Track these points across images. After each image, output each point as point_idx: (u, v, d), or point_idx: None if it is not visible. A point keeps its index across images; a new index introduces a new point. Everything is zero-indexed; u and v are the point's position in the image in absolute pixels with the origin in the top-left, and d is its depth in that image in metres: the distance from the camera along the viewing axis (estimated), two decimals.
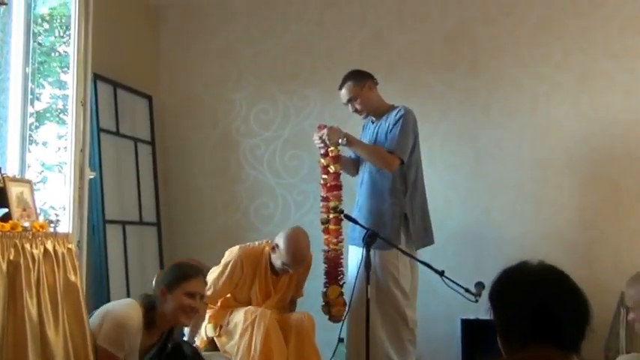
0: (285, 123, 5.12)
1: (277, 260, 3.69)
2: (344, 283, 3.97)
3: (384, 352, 3.88)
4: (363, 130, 4.24)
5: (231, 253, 3.72)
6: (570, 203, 4.66)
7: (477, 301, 3.55)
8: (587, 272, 4.36)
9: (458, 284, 3.62)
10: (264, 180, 5.14)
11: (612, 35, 4.64)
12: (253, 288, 3.73)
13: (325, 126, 4.00)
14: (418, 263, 3.93)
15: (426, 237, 4.06)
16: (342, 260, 3.98)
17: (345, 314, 3.86)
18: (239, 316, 3.57)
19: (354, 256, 4.01)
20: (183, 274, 2.98)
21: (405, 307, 3.92)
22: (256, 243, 3.83)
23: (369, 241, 3.70)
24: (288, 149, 5.07)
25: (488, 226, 4.75)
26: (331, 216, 3.96)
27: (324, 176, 4.01)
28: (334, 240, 3.96)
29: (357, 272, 3.81)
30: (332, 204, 3.96)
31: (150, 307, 2.92)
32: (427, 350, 4.33)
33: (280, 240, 3.69)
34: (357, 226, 3.92)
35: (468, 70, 4.85)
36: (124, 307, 2.94)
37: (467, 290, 3.60)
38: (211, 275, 3.65)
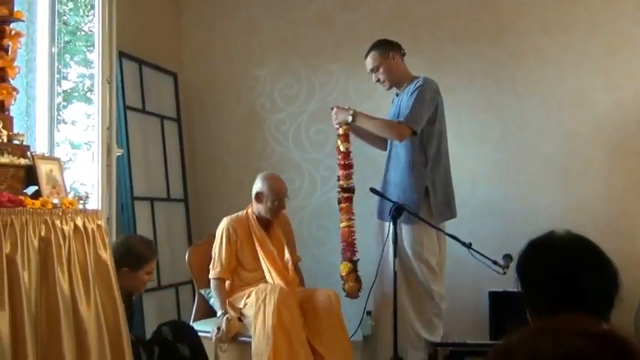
0: (310, 98, 5.11)
1: (265, 205, 3.84)
2: (357, 260, 3.97)
3: (410, 326, 3.90)
4: (392, 104, 4.22)
5: (221, 224, 3.90)
6: (598, 174, 4.60)
7: (504, 273, 3.54)
8: (616, 244, 4.29)
9: (485, 256, 3.61)
10: (290, 155, 5.15)
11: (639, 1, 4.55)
12: (253, 247, 3.85)
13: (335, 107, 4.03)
14: (445, 237, 3.92)
15: (448, 211, 4.03)
16: (354, 238, 3.98)
17: (358, 290, 3.87)
18: (251, 298, 3.63)
19: (380, 230, 4.02)
20: (145, 257, 3.22)
21: (430, 281, 3.91)
22: (238, 212, 3.95)
23: (396, 214, 3.70)
24: (313, 124, 5.07)
25: (515, 198, 4.72)
26: (341, 195, 3.97)
27: (338, 156, 4.02)
28: (345, 217, 3.96)
29: (383, 246, 3.82)
30: (341, 183, 3.97)
31: None
32: (455, 323, 4.33)
33: (259, 187, 3.85)
34: (384, 200, 3.93)
35: (493, 41, 4.79)
36: None
37: (494, 262, 3.59)
38: (215, 251, 3.83)
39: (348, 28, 5.04)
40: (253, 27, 5.26)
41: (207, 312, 3.95)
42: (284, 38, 5.19)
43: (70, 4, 4.42)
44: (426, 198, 3.90)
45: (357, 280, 3.91)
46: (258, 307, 3.53)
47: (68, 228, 2.63)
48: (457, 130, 4.75)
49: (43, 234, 2.52)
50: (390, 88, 4.11)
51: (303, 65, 5.13)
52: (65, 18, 4.30)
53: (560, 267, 1.58)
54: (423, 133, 3.90)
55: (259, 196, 3.84)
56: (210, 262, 3.90)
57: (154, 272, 3.38)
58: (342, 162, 3.98)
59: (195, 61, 5.39)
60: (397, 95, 4.12)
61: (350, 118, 3.91)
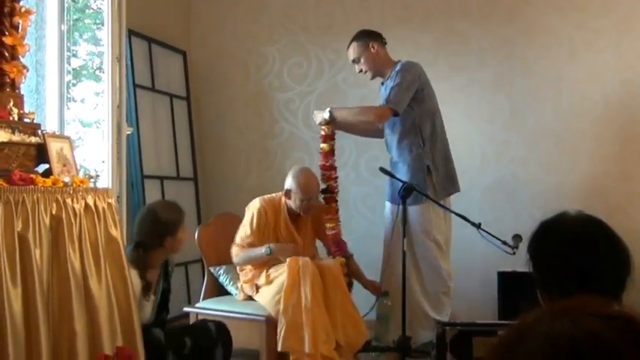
0: (319, 76, 5.09)
1: (295, 202, 3.76)
2: (351, 255, 3.95)
3: (418, 305, 3.91)
4: (380, 93, 4.22)
5: (254, 204, 3.82)
6: (609, 154, 4.58)
7: (514, 253, 3.53)
8: (626, 223, 4.28)
9: (495, 237, 3.60)
10: (299, 134, 5.14)
11: None
12: (278, 233, 3.81)
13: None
14: (451, 215, 3.92)
15: (451, 185, 4.05)
16: (341, 238, 3.96)
17: (348, 285, 3.84)
18: (281, 269, 3.60)
19: (388, 212, 4.03)
20: (178, 219, 3.24)
21: (439, 259, 3.93)
22: (273, 195, 3.89)
23: (405, 194, 3.70)
24: (322, 103, 5.03)
25: (525, 178, 4.71)
26: (322, 196, 3.95)
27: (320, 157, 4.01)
28: (328, 217, 3.93)
29: (393, 227, 3.83)
30: (320, 184, 3.92)
31: (142, 262, 3.13)
32: (464, 303, 4.34)
33: (289, 183, 3.77)
34: (390, 182, 3.94)
35: (505, 18, 4.75)
36: None
37: (504, 242, 3.58)
38: (244, 226, 3.77)
39: (357, 5, 5.00)
40: (262, 5, 5.23)
41: (217, 290, 3.98)
42: (293, 16, 5.16)
43: None
44: (429, 177, 3.92)
45: (347, 275, 3.86)
46: (291, 281, 3.49)
47: (79, 206, 2.64)
48: (467, 109, 4.74)
49: (54, 212, 2.54)
50: (373, 77, 4.13)
51: (312, 43, 5.11)
52: None
53: (572, 249, 1.58)
54: (414, 114, 3.92)
55: (288, 193, 3.77)
56: (220, 243, 3.91)
57: (186, 229, 3.36)
58: (322, 162, 3.96)
59: (204, 39, 5.37)
60: (382, 84, 4.12)
61: (327, 114, 3.92)
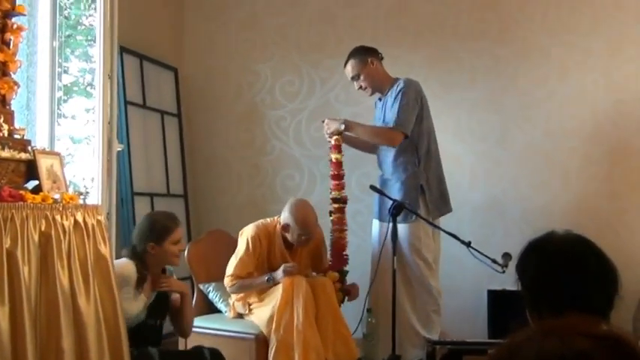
0: (311, 94, 5.11)
1: (292, 236, 3.72)
2: (347, 271, 3.96)
3: (408, 323, 3.91)
4: (375, 108, 4.23)
5: (248, 231, 3.77)
6: (598, 173, 4.60)
7: (503, 272, 3.54)
8: (616, 242, 4.31)
9: (485, 255, 3.61)
10: (290, 152, 5.15)
11: None
12: (272, 260, 3.77)
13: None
14: (440, 232, 3.93)
15: (443, 205, 4.06)
16: (345, 249, 3.97)
17: (340, 302, 3.82)
18: (275, 287, 3.59)
19: (377, 230, 4.04)
20: (167, 228, 3.22)
21: (428, 277, 3.93)
22: (267, 220, 3.86)
23: (395, 212, 3.70)
24: (313, 121, 5.06)
25: (515, 197, 4.72)
26: (332, 206, 3.97)
27: (331, 167, 4.03)
28: (337, 227, 3.96)
29: (382, 245, 3.83)
30: (333, 194, 3.97)
31: (140, 262, 3.14)
32: (454, 321, 4.34)
33: (287, 218, 3.71)
34: (380, 200, 3.95)
35: (495, 38, 4.79)
36: (121, 262, 3.12)
37: (494, 261, 3.59)
38: (238, 254, 3.73)
39: (349, 24, 5.03)
40: (255, 22, 5.25)
41: (206, 308, 3.95)
42: (285, 34, 5.18)
43: None
44: (422, 196, 3.93)
45: (342, 290, 3.86)
46: (284, 301, 3.47)
47: (68, 223, 2.63)
48: (458, 127, 4.77)
49: (43, 229, 2.53)
50: (372, 93, 4.14)
51: (304, 61, 5.13)
52: (66, 12, 4.29)
53: (560, 269, 1.58)
54: (413, 133, 3.93)
55: (286, 228, 3.73)
56: (210, 260, 3.90)
57: (183, 241, 3.37)
58: (334, 172, 3.98)
59: (196, 56, 5.38)
60: (380, 100, 4.13)
61: (342, 127, 3.93)
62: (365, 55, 4.03)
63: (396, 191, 3.93)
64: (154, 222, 3.25)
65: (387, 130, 3.93)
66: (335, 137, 3.97)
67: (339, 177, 3.98)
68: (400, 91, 3.91)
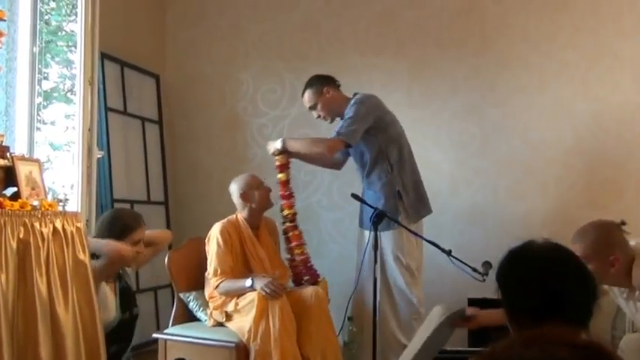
0: (293, 102, 5.10)
1: (254, 196, 3.87)
2: (322, 279, 3.97)
3: (389, 331, 3.91)
4: None
5: (214, 230, 3.84)
6: (577, 183, 4.64)
7: (484, 280, 3.55)
8: None
9: (465, 263, 3.62)
10: (272, 159, 5.12)
11: (622, 13, 4.59)
12: (245, 249, 3.83)
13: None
14: (423, 241, 3.94)
15: (422, 207, 4.07)
16: (311, 263, 3.97)
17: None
18: (250, 297, 3.59)
19: (359, 238, 4.04)
20: (130, 226, 3.26)
21: (410, 285, 3.94)
22: (228, 216, 3.93)
23: (377, 220, 3.71)
24: (295, 129, 5.06)
25: (495, 205, 4.75)
26: (286, 224, 3.96)
27: (279, 187, 4.02)
28: (296, 244, 3.94)
29: (364, 253, 3.84)
30: (284, 212, 3.96)
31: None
32: None
33: (237, 188, 3.90)
34: (364, 209, 3.95)
35: (477, 48, 4.82)
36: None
37: (474, 269, 3.60)
38: (214, 253, 3.76)
39: (332, 32, 5.05)
40: (237, 30, 5.25)
41: (187, 316, 3.92)
42: (268, 42, 5.19)
43: (52, 4, 4.39)
44: (401, 202, 3.94)
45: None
46: (261, 308, 3.48)
47: (47, 230, 2.61)
48: (438, 136, 4.79)
49: (21, 236, 2.50)
50: (332, 121, 4.14)
51: (286, 70, 5.13)
52: (47, 18, 4.26)
53: (540, 279, 1.60)
54: (380, 142, 3.94)
55: (245, 195, 3.85)
56: (190, 267, 3.88)
57: (142, 244, 3.39)
58: (282, 192, 3.95)
59: (178, 63, 5.37)
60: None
61: (279, 144, 3.93)
62: (320, 84, 4.05)
63: (375, 200, 3.94)
64: (116, 218, 3.25)
65: (324, 139, 3.95)
66: (277, 157, 3.94)
67: (288, 196, 3.95)
68: (351, 105, 3.93)
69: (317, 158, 4.14)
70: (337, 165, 4.27)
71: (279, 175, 3.95)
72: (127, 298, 3.31)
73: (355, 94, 4.04)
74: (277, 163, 3.95)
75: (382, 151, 3.96)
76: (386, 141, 3.97)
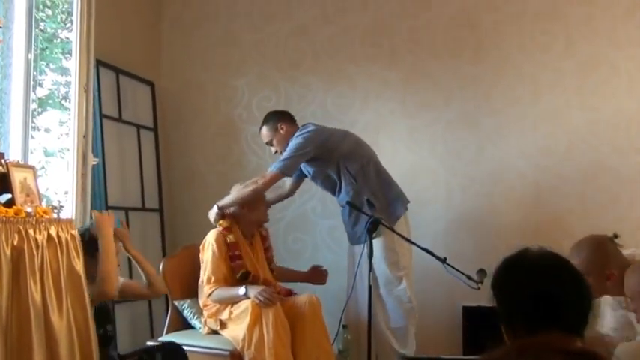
0: (288, 110, 5.10)
1: (259, 209, 3.96)
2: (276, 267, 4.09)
3: (384, 339, 3.91)
4: None
5: (209, 237, 3.84)
6: (572, 191, 4.65)
7: (478, 288, 3.56)
8: None
9: (459, 271, 3.63)
10: (266, 167, 5.12)
11: (616, 23, 4.62)
12: (242, 251, 3.83)
13: None
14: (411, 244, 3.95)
15: (398, 206, 4.05)
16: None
17: None
18: (244, 305, 3.59)
19: (350, 254, 4.10)
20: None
21: (404, 290, 3.94)
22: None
23: (372, 228, 3.72)
24: None
25: (490, 213, 4.76)
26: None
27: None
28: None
29: (357, 266, 3.85)
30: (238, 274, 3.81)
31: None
32: (428, 337, 4.34)
33: (241, 197, 3.91)
34: (351, 226, 4.03)
35: (471, 58, 4.84)
36: None
37: (469, 277, 3.61)
38: (209, 260, 3.76)
39: (327, 41, 5.06)
40: (232, 38, 5.25)
41: (181, 324, 3.92)
42: (263, 50, 5.20)
43: (48, 11, 4.39)
44: (373, 209, 3.95)
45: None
46: (254, 317, 3.48)
47: (42, 237, 2.60)
48: (433, 145, 4.81)
49: (15, 243, 2.49)
50: None
51: (281, 77, 5.14)
52: (42, 25, 4.27)
53: (535, 286, 1.60)
54: (336, 160, 4.00)
55: (250, 207, 3.91)
56: (185, 275, 3.88)
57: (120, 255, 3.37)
58: (231, 253, 3.82)
59: (173, 70, 5.37)
60: None
61: (215, 208, 3.92)
62: (275, 122, 4.15)
63: (354, 216, 3.97)
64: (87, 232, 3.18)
65: (255, 178, 4.01)
66: (220, 223, 3.90)
67: (236, 257, 3.81)
68: (292, 139, 4.01)
69: (258, 198, 4.02)
70: (290, 193, 4.38)
71: (228, 236, 3.84)
72: (103, 314, 3.24)
73: (304, 126, 4.10)
74: (221, 229, 3.87)
75: (342, 168, 4.02)
76: (342, 158, 4.02)
